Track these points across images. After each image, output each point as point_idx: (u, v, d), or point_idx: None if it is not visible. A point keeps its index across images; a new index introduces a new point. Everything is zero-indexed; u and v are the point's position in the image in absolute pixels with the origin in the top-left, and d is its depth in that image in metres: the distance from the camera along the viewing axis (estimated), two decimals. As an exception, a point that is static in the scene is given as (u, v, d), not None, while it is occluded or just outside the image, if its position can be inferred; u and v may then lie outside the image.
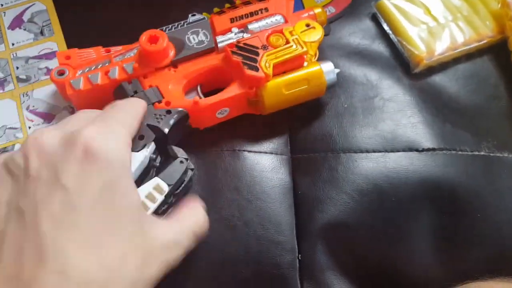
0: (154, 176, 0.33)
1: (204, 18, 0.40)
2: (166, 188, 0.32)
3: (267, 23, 0.40)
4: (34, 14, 0.47)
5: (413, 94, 0.44)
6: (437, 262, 0.38)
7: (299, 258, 0.38)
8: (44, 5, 0.48)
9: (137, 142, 0.34)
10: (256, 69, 0.37)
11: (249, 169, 0.40)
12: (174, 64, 0.39)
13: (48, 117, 0.43)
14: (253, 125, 0.42)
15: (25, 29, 0.47)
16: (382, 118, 0.42)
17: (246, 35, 0.40)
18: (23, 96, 0.44)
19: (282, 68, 0.39)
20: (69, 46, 0.46)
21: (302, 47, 0.39)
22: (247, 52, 0.38)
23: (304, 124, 0.43)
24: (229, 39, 0.40)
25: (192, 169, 0.35)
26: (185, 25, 0.40)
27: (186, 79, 0.38)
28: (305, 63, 0.40)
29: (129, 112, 0.33)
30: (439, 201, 0.39)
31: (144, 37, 0.37)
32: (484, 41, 0.45)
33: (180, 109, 0.37)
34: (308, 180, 0.40)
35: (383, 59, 0.46)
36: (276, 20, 0.41)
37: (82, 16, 0.48)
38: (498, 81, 0.45)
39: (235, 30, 0.40)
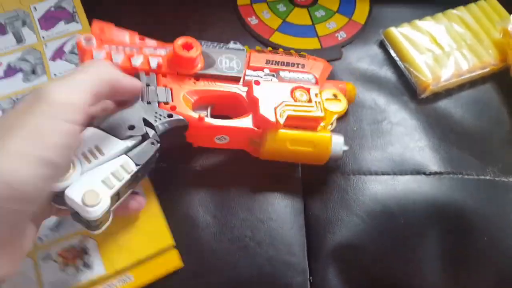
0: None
1: (243, 49, 0.41)
2: (134, 168, 0.31)
3: (298, 77, 0.41)
4: (74, 46, 0.48)
5: (420, 118, 0.45)
6: (446, 282, 0.39)
7: (310, 280, 0.38)
8: None
9: (125, 130, 0.32)
10: (271, 113, 0.37)
11: (262, 189, 0.41)
12: (197, 76, 0.38)
13: None
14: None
15: (66, 60, 0.47)
16: (390, 142, 0.44)
17: (274, 80, 0.40)
18: None
19: (296, 123, 0.38)
20: None
21: (321, 111, 0.38)
22: (269, 94, 0.38)
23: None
24: (258, 76, 0.40)
25: (158, 142, 0.33)
26: (223, 48, 0.40)
27: (202, 95, 0.38)
28: (318, 128, 0.40)
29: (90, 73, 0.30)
30: (446, 224, 0.40)
31: (180, 41, 0.37)
32: (487, 69, 0.47)
33: (182, 118, 0.35)
34: (319, 201, 0.41)
35: (390, 84, 0.47)
36: (307, 78, 0.41)
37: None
38: (501, 107, 0.46)
39: (266, 71, 0.40)
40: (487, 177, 0.42)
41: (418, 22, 0.49)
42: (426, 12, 0.50)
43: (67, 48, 0.48)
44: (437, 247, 0.39)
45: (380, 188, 0.41)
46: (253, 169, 0.42)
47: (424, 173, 0.42)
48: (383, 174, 0.42)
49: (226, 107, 0.40)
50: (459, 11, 0.50)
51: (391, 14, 0.51)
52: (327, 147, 0.38)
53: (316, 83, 0.41)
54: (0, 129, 0.25)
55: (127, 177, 0.31)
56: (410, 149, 0.43)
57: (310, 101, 0.39)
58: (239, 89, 0.39)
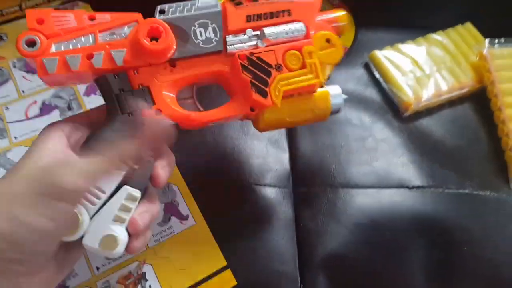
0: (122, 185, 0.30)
1: (216, 4, 0.34)
2: (138, 195, 0.31)
3: (285, 31, 0.35)
4: None
5: (403, 136, 0.48)
6: (429, 291, 0.41)
7: None
8: None
9: None
10: (265, 94, 0.33)
11: (255, 201, 0.44)
12: (172, 62, 0.33)
13: None
14: (258, 158, 0.46)
15: (100, 95, 0.50)
16: (375, 157, 0.47)
17: (260, 44, 0.34)
18: None
19: (291, 93, 0.35)
20: None
21: (318, 76, 0.35)
22: (259, 70, 0.34)
23: (304, 160, 0.47)
24: (241, 43, 0.34)
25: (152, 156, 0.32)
26: (192, 10, 0.33)
27: (184, 82, 0.34)
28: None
29: None
30: (429, 235, 0.43)
31: (143, 30, 0.31)
32: (465, 89, 0.50)
33: (172, 122, 0.32)
34: (309, 213, 0.44)
35: (375, 104, 0.50)
36: (296, 29, 0.35)
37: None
38: (479, 125, 0.50)
39: (249, 32, 0.34)
40: (466, 191, 0.45)
41: (401, 46, 0.52)
42: (408, 36, 0.54)
43: None
44: (421, 257, 0.42)
45: (366, 201, 0.44)
46: (248, 181, 0.44)
47: (408, 187, 0.45)
48: (369, 187, 0.45)
49: (212, 83, 0.36)
50: (438, 36, 0.54)
51: (375, 38, 0.55)
52: (327, 105, 0.36)
53: (307, 32, 0.35)
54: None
55: (135, 204, 0.31)
56: (394, 164, 0.46)
57: (303, 65, 0.35)
58: (224, 64, 0.34)
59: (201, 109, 0.35)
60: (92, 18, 0.32)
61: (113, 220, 0.30)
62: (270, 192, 0.45)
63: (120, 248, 0.30)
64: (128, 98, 0.31)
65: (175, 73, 0.33)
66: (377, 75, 0.51)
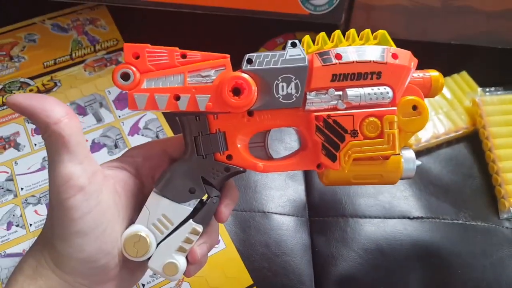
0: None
1: (303, 58, 0.33)
2: (200, 229, 0.34)
3: (370, 95, 0.33)
4: (147, 122, 0.57)
5: (405, 172, 0.55)
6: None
7: (317, 304, 0.47)
8: (155, 115, 0.58)
9: (187, 194, 0.33)
10: (334, 159, 0.33)
11: (276, 228, 0.50)
12: (250, 112, 0.33)
13: None
14: (278, 190, 0.53)
15: (142, 135, 0.56)
16: (380, 191, 0.53)
17: (340, 105, 0.33)
18: None
19: (361, 159, 0.34)
20: None
21: (394, 148, 0.33)
22: (333, 134, 0.33)
23: (319, 193, 0.54)
24: (321, 102, 0.33)
25: (218, 196, 0.34)
26: (279, 62, 0.33)
27: (259, 130, 0.34)
28: None
29: None
30: (427, 259, 0.49)
31: (228, 84, 0.32)
32: (460, 132, 0.57)
33: (240, 169, 0.34)
34: (323, 239, 0.51)
35: (381, 143, 0.57)
36: (381, 94, 0.33)
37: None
38: (472, 163, 0.56)
39: (331, 92, 0.33)
40: (460, 221, 0.52)
41: (403, 93, 0.60)
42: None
43: (141, 124, 0.57)
44: (419, 278, 0.48)
45: (373, 229, 0.51)
46: (269, 210, 0.51)
47: (409, 218, 0.52)
48: (375, 217, 0.52)
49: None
50: (436, 83, 0.61)
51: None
52: (398, 172, 0.34)
53: (394, 97, 0.33)
54: None
55: (196, 238, 0.34)
56: (397, 198, 0.53)
57: (381, 135, 0.33)
58: (299, 120, 0.34)
59: (270, 156, 0.36)
60: (183, 55, 0.33)
61: (176, 250, 0.34)
62: (289, 221, 0.51)
63: (180, 274, 0.34)
64: (205, 141, 0.33)
65: (252, 123, 0.33)
66: (382, 118, 0.58)
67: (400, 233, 0.50)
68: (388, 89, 0.33)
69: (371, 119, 0.33)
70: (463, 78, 0.61)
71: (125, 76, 0.32)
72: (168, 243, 0.34)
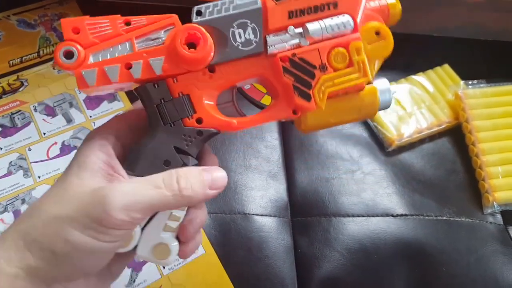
0: None
1: (255, 1, 0.31)
2: (181, 215, 0.31)
3: (331, 26, 0.31)
4: None
5: (387, 168, 0.54)
6: (412, 309, 0.47)
7: (301, 307, 0.46)
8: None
9: (162, 168, 0.30)
10: (308, 98, 0.31)
11: (258, 230, 0.49)
12: (211, 67, 0.31)
13: None
14: (259, 191, 0.51)
15: None
16: (363, 189, 0.52)
17: (303, 42, 0.31)
18: None
19: (336, 93, 0.32)
20: None
21: (366, 75, 0.32)
22: (302, 72, 0.31)
23: (301, 192, 0.52)
24: (283, 42, 0.31)
25: (197, 164, 0.31)
26: (231, 8, 0.31)
27: (224, 87, 0.32)
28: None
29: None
30: (411, 257, 0.48)
31: (180, 37, 0.30)
32: (443, 126, 0.56)
33: (213, 130, 0.31)
34: (306, 240, 0.49)
35: (362, 140, 0.56)
36: (342, 23, 0.31)
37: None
38: (455, 158, 0.56)
39: (291, 30, 0.31)
40: (444, 218, 0.51)
41: (385, 87, 0.58)
42: (391, 78, 0.60)
43: None
44: (404, 277, 0.47)
45: (356, 228, 0.49)
46: (250, 212, 0.50)
47: (392, 215, 0.50)
48: (358, 216, 0.50)
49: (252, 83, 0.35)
50: (418, 77, 0.60)
51: (362, 80, 0.61)
52: (374, 103, 0.33)
53: (355, 25, 0.32)
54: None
55: (183, 213, 0.31)
56: (380, 195, 0.52)
57: (350, 64, 0.31)
58: (264, 67, 0.32)
59: (241, 113, 0.34)
60: (127, 22, 0.31)
61: (163, 230, 0.30)
62: (271, 222, 0.50)
63: (173, 255, 0.31)
64: (169, 108, 0.31)
65: (214, 79, 0.31)
66: (364, 114, 0.57)
67: (383, 232, 0.49)
68: (347, 16, 0.32)
69: (338, 49, 0.31)
70: (445, 71, 0.60)
71: (68, 55, 0.29)
72: (153, 224, 0.30)
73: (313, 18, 0.31)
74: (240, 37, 0.31)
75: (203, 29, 0.30)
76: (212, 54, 0.30)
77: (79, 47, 0.30)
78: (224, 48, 0.31)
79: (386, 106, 0.34)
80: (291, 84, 0.31)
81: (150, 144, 0.30)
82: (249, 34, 0.31)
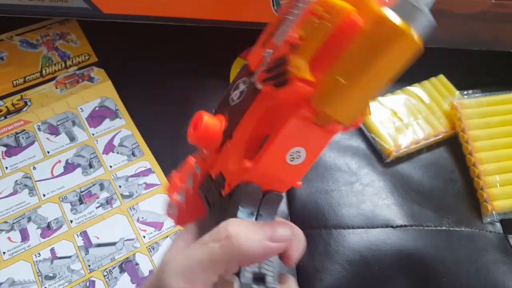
0: None
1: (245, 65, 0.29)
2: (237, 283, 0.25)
3: (295, 13, 0.25)
4: (123, 139, 0.56)
5: (386, 179, 0.54)
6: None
7: (303, 320, 0.46)
8: (130, 131, 0.57)
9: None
10: (285, 82, 0.24)
11: (259, 245, 0.49)
12: (227, 134, 0.29)
13: (158, 225, 0.50)
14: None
15: (117, 153, 0.55)
16: (363, 200, 0.53)
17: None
18: (131, 210, 0.51)
19: (332, 52, 0.23)
20: (160, 164, 0.54)
21: (340, 10, 0.22)
22: (274, 69, 0.25)
23: (301, 204, 0.53)
24: (262, 68, 0.27)
25: None
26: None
27: (245, 144, 0.28)
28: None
29: None
30: (412, 268, 0.48)
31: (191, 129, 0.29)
32: (440, 136, 0.57)
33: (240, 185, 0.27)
34: (307, 253, 0.49)
35: (360, 151, 0.57)
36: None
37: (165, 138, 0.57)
38: (453, 167, 0.56)
39: (269, 52, 0.26)
40: (443, 228, 0.51)
41: (381, 98, 0.59)
42: (387, 89, 0.61)
43: (116, 142, 0.56)
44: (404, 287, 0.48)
45: (356, 239, 0.50)
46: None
47: (392, 226, 0.51)
48: (358, 227, 0.51)
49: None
50: (414, 88, 0.60)
51: (359, 92, 0.61)
52: (391, 26, 0.21)
53: None
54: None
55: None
56: (379, 206, 0.52)
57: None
58: (261, 100, 0.28)
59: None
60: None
61: None
62: (272, 235, 0.50)
63: None
64: (211, 190, 0.29)
65: (234, 144, 0.28)
66: (361, 125, 0.58)
67: (383, 243, 0.50)
68: None
69: (301, 23, 0.24)
70: (441, 82, 0.61)
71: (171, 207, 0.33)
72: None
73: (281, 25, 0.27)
74: (236, 95, 0.29)
75: (203, 113, 0.29)
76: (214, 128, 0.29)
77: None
78: (228, 111, 0.29)
79: (425, 30, 0.23)
80: (271, 86, 0.25)
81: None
82: (241, 86, 0.29)
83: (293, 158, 0.26)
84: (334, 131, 0.26)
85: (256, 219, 0.27)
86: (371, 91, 0.23)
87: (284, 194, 0.28)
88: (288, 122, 0.25)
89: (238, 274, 0.24)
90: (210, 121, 0.29)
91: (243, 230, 0.25)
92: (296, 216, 0.52)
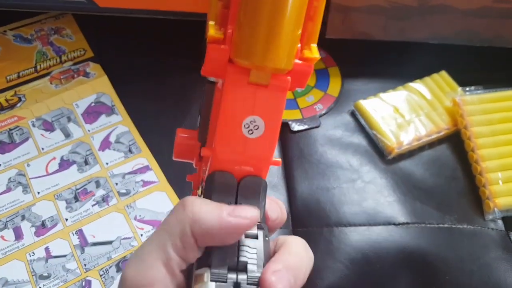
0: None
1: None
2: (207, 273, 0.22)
3: None
4: (119, 135, 0.54)
5: (388, 177, 0.54)
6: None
7: (304, 319, 0.45)
8: (127, 127, 0.55)
9: None
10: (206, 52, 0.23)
11: (259, 243, 0.48)
12: (202, 141, 0.28)
13: (155, 223, 0.49)
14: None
15: (114, 149, 0.53)
16: (364, 198, 0.52)
17: None
18: (128, 207, 0.50)
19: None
20: (158, 161, 0.53)
21: None
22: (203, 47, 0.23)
23: (302, 202, 0.52)
24: None
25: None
26: None
27: None
28: None
29: None
30: (414, 266, 0.48)
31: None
32: (442, 133, 0.56)
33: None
34: (308, 251, 0.49)
35: (361, 148, 0.56)
36: None
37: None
38: (456, 164, 0.55)
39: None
40: (446, 225, 0.51)
41: (382, 95, 0.58)
42: (388, 85, 0.60)
43: (112, 139, 0.54)
44: (406, 286, 0.47)
45: (358, 237, 0.49)
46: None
47: (394, 224, 0.50)
48: (360, 225, 0.50)
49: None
50: (416, 84, 0.60)
51: (359, 88, 0.61)
52: None
53: None
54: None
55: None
56: (381, 204, 0.51)
57: None
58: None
59: None
60: None
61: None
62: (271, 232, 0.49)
63: None
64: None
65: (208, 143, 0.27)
66: (363, 122, 0.57)
67: (386, 240, 0.49)
68: None
69: None
70: (442, 78, 0.60)
71: None
72: None
73: None
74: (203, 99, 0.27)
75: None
76: None
77: None
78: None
79: None
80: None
81: None
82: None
83: (251, 130, 0.24)
84: (280, 86, 0.23)
85: None
86: (278, 22, 0.20)
87: (267, 181, 0.25)
88: (224, 90, 0.23)
89: (210, 265, 0.22)
90: (183, 137, 0.29)
91: (199, 201, 0.23)
92: (298, 214, 0.51)
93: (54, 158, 0.53)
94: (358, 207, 0.51)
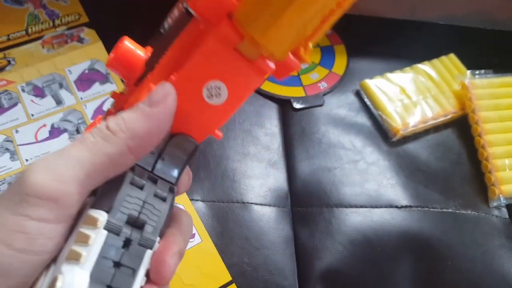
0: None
1: None
2: (102, 217, 0.20)
3: None
4: (113, 105, 0.52)
5: (391, 159, 0.52)
6: (416, 303, 0.45)
7: (301, 300, 0.44)
8: None
9: None
10: None
11: (257, 220, 0.47)
12: (149, 66, 0.24)
13: None
14: (258, 179, 0.49)
15: None
16: (367, 179, 0.50)
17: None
18: None
19: None
20: None
21: None
22: None
23: (302, 181, 0.50)
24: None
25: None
26: None
27: (164, 77, 0.23)
28: None
29: None
30: (416, 250, 0.46)
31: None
32: (449, 116, 0.55)
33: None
34: (307, 231, 0.47)
35: (366, 129, 0.54)
36: None
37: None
38: (461, 149, 0.54)
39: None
40: (450, 210, 0.49)
41: (389, 75, 0.56)
42: (396, 66, 0.58)
43: (106, 108, 0.52)
44: (409, 271, 0.45)
45: (359, 219, 0.47)
46: (248, 201, 0.47)
47: (396, 207, 0.48)
48: (361, 207, 0.48)
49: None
50: (424, 66, 0.58)
51: (365, 67, 0.59)
52: None
53: None
54: None
55: (99, 232, 0.20)
56: (383, 186, 0.50)
57: None
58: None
59: None
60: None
61: (65, 257, 0.19)
62: (270, 211, 0.48)
63: None
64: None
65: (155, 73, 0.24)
66: (368, 102, 0.55)
67: (387, 223, 0.47)
68: None
69: None
70: (451, 61, 0.58)
71: None
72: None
73: None
74: (167, 24, 0.25)
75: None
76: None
77: None
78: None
79: None
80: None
81: None
82: (174, 14, 0.24)
83: (212, 94, 0.22)
84: (262, 69, 0.22)
85: (157, 161, 0.23)
86: (305, 15, 0.19)
87: (204, 148, 0.24)
88: (206, 40, 0.20)
89: (109, 211, 0.20)
90: (130, 47, 0.25)
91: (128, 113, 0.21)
92: (297, 193, 0.50)
93: (44, 125, 0.51)
94: (359, 188, 0.50)
